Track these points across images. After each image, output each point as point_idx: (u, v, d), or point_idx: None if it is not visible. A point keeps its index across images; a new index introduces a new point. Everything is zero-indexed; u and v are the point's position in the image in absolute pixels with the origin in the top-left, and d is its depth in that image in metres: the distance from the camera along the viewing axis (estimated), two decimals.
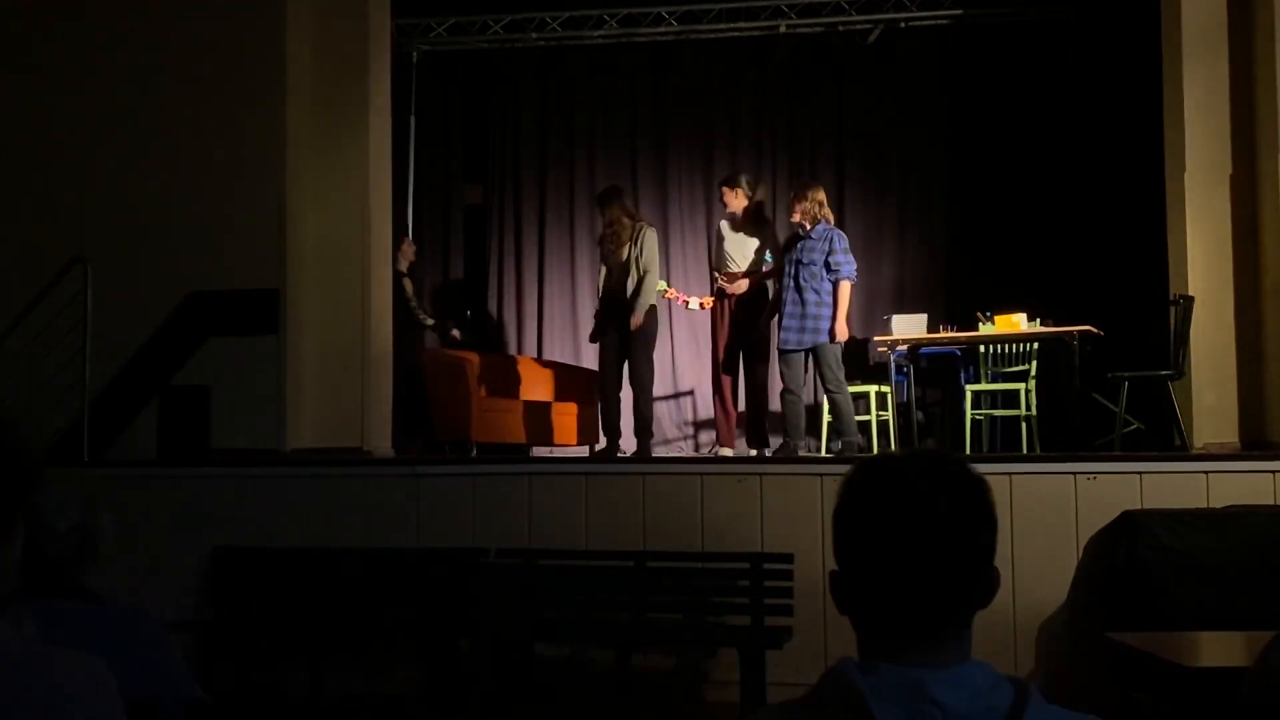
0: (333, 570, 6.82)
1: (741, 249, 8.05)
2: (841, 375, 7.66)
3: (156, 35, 8.31)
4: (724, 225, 8.23)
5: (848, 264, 7.62)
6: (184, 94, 8.24)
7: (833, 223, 7.81)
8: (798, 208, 7.74)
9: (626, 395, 8.15)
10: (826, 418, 8.50)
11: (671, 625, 6.49)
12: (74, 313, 7.49)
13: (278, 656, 6.80)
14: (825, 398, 8.08)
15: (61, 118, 8.34)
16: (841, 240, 7.69)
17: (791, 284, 7.65)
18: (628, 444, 8.30)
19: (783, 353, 7.72)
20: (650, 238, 8.08)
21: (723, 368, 8.07)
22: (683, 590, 6.54)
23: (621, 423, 8.18)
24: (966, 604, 1.43)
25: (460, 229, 11.15)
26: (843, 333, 7.58)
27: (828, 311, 7.56)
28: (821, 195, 7.76)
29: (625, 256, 8.03)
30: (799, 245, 7.71)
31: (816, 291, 7.57)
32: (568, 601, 6.66)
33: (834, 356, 7.59)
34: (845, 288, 7.61)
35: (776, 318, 7.97)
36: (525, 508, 6.77)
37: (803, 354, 7.67)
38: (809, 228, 7.67)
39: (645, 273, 7.94)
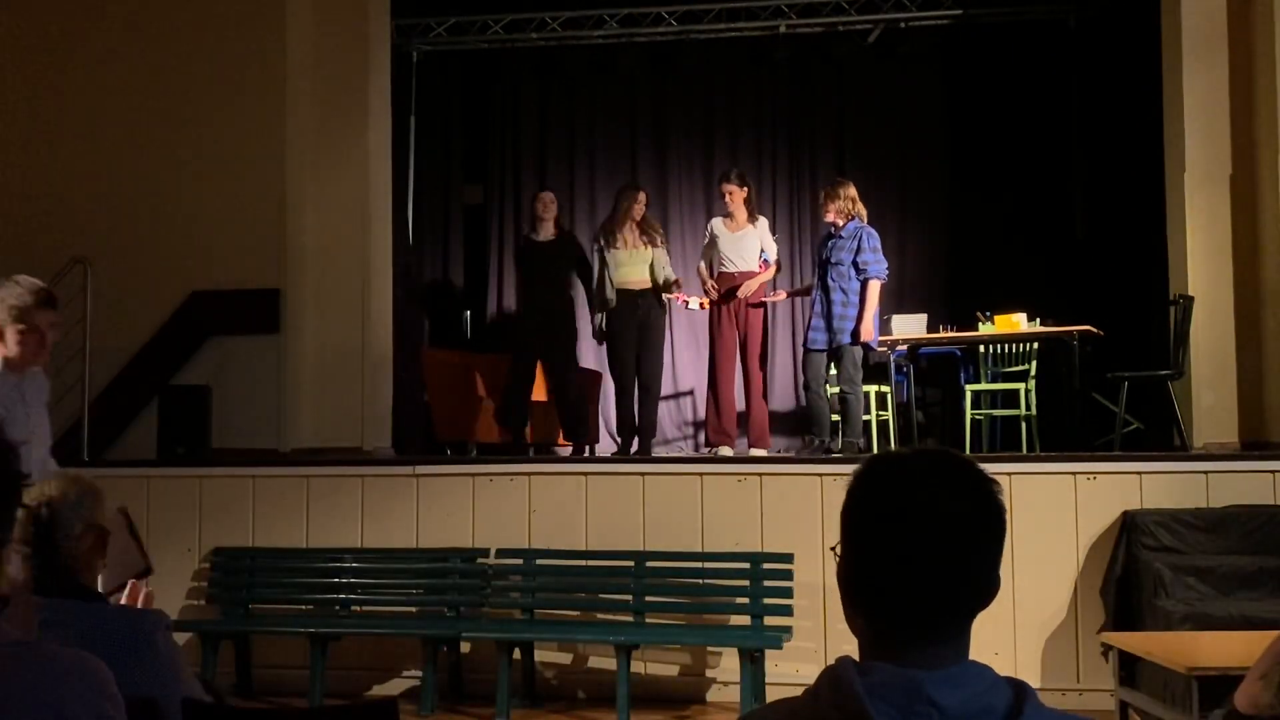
0: (333, 570, 6.83)
1: (739, 248, 8.00)
2: (859, 377, 7.57)
3: (157, 35, 8.32)
4: (719, 224, 8.14)
5: (876, 263, 7.42)
6: (184, 94, 8.25)
7: (865, 219, 7.59)
8: (831, 205, 7.51)
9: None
10: (830, 417, 8.47)
11: (671, 625, 6.50)
12: (74, 313, 7.49)
13: (278, 656, 6.81)
14: (835, 396, 8.02)
15: (62, 118, 8.35)
16: (871, 239, 7.47)
17: (818, 284, 7.55)
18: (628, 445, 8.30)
19: (807, 351, 7.66)
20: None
21: (723, 367, 8.03)
22: (683, 590, 6.54)
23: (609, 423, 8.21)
24: (970, 604, 1.42)
25: (460, 229, 11.14)
26: (867, 334, 7.41)
27: (853, 312, 7.41)
28: (853, 191, 7.56)
29: (639, 255, 8.01)
30: (829, 244, 7.52)
31: (844, 291, 7.40)
32: (567, 601, 6.67)
33: (854, 357, 7.49)
34: (874, 288, 7.42)
35: (807, 317, 7.91)
36: (525, 508, 6.77)
37: (824, 352, 7.60)
38: (841, 225, 7.49)
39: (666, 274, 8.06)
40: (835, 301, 7.43)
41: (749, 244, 7.97)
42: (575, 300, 8.50)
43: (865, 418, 8.30)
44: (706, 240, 8.19)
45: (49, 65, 8.39)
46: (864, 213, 7.60)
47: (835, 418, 8.19)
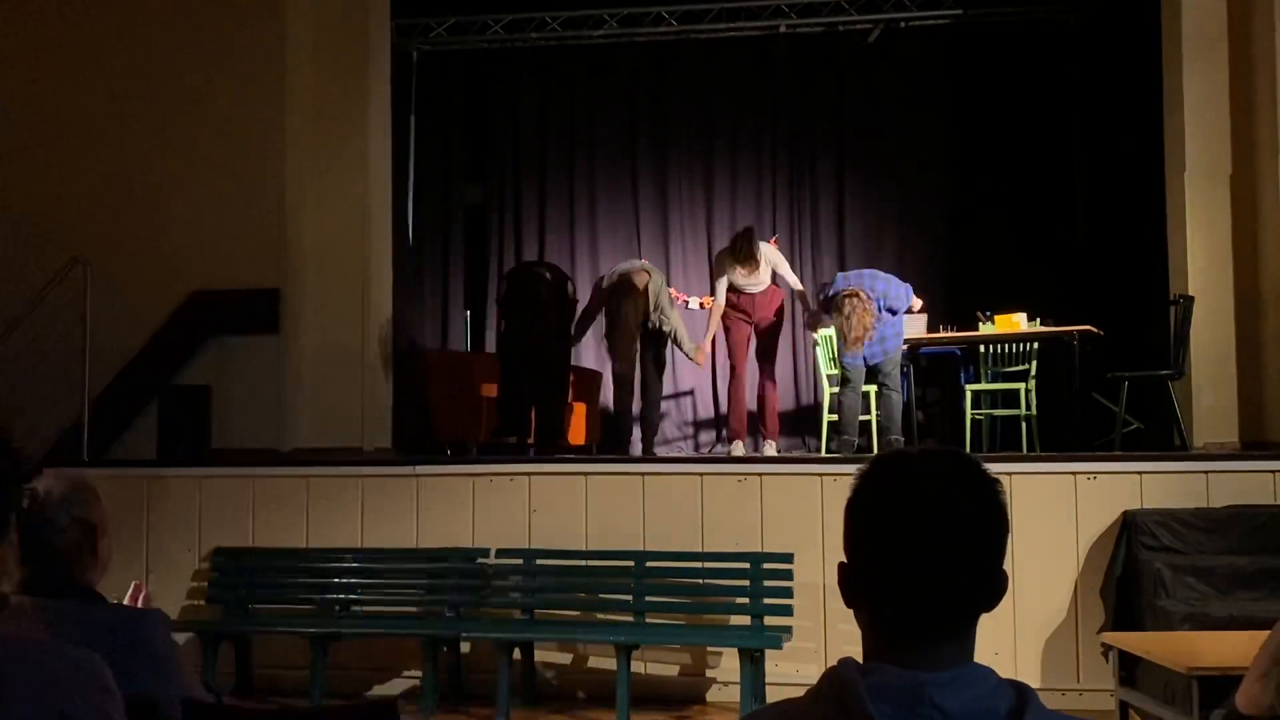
0: (333, 570, 6.83)
1: (754, 281, 8.07)
2: (901, 374, 7.70)
3: (156, 35, 8.32)
4: (740, 272, 8.03)
5: (904, 295, 7.68)
6: (184, 94, 8.25)
7: None
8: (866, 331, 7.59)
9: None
10: (828, 417, 8.50)
11: (671, 625, 6.50)
12: (74, 313, 7.49)
13: (278, 656, 6.81)
14: (825, 394, 8.04)
15: (62, 118, 8.35)
16: (893, 284, 7.69)
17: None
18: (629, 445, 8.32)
19: (845, 364, 7.64)
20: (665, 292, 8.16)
21: (738, 363, 8.08)
22: (683, 590, 6.54)
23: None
24: (975, 604, 1.42)
25: (460, 229, 11.14)
26: (917, 304, 7.75)
27: (898, 330, 7.66)
28: None
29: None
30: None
31: (886, 323, 7.57)
32: (567, 601, 6.67)
33: (898, 358, 7.64)
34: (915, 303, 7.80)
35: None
36: (525, 508, 6.77)
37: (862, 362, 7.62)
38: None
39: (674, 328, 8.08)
40: (883, 329, 7.52)
41: (764, 276, 8.08)
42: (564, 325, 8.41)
43: (865, 418, 8.31)
44: (721, 272, 8.14)
45: (48, 65, 8.39)
46: None
47: (831, 418, 8.24)
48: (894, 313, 7.61)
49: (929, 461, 1.45)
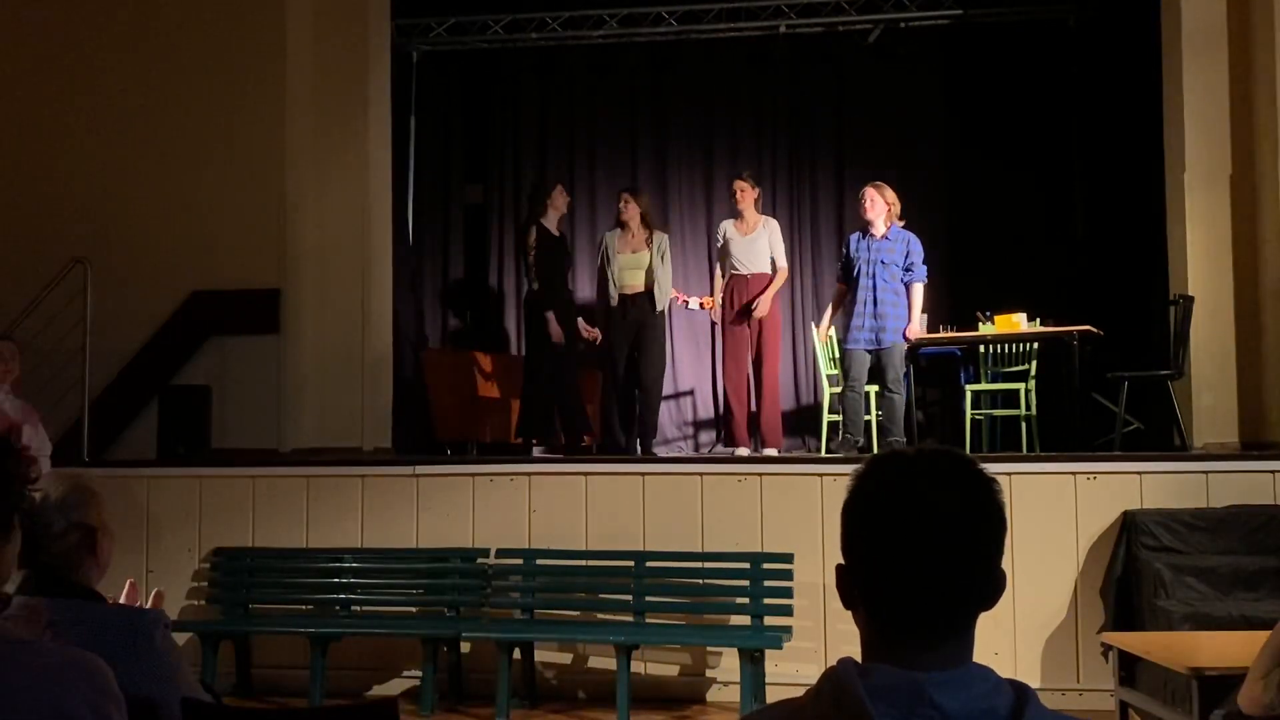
0: (333, 570, 6.83)
1: (750, 251, 8.02)
2: (903, 374, 7.64)
3: (157, 37, 8.33)
4: (730, 227, 8.14)
5: (922, 267, 7.62)
6: (184, 94, 8.26)
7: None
8: (887, 208, 7.62)
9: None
10: (828, 417, 8.49)
11: (671, 625, 6.50)
12: (74, 313, 7.49)
13: (278, 656, 6.81)
14: (836, 396, 8.02)
15: (62, 118, 8.35)
16: (918, 244, 7.65)
17: (870, 283, 7.51)
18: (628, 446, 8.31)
19: (850, 350, 7.60)
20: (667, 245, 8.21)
21: (735, 369, 8.06)
22: (683, 590, 6.54)
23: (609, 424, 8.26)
24: (973, 603, 1.42)
25: (460, 229, 11.14)
26: (916, 332, 7.56)
27: (902, 311, 7.54)
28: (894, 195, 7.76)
29: (638, 260, 8.04)
30: (873, 245, 7.57)
31: (894, 293, 7.51)
32: (567, 601, 6.67)
33: (901, 356, 7.57)
34: (920, 289, 7.58)
35: (843, 314, 7.84)
36: (525, 508, 6.77)
37: (869, 352, 7.56)
38: (886, 227, 7.59)
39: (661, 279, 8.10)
40: (887, 301, 7.49)
41: (759, 246, 8.03)
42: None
43: (865, 418, 8.30)
44: (720, 244, 8.19)
45: (49, 65, 8.39)
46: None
47: (831, 418, 8.22)
48: (907, 271, 7.54)
49: (925, 461, 1.45)
